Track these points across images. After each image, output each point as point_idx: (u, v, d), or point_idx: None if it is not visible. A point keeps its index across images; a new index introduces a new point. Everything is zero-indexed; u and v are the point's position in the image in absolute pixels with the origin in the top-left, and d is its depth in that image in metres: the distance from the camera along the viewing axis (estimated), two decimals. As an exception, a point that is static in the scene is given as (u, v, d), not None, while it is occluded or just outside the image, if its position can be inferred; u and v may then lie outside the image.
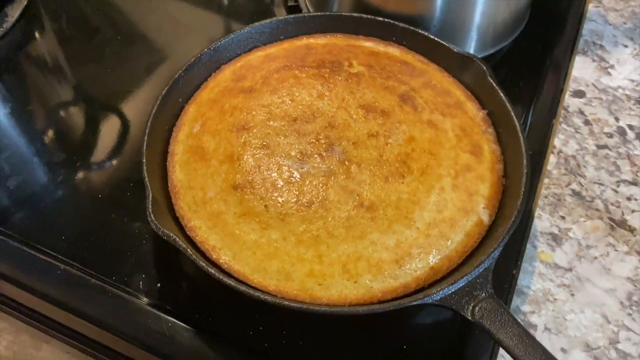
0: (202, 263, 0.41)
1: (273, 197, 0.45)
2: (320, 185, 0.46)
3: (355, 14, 0.57)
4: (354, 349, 0.45)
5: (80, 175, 0.55)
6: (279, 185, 0.46)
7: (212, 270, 0.40)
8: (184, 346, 0.44)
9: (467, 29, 0.62)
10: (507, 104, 0.50)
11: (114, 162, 0.56)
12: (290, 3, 0.70)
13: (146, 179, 0.44)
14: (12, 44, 0.67)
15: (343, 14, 0.58)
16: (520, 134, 0.48)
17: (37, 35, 0.69)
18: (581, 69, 0.65)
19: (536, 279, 0.49)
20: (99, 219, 0.52)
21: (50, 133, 0.59)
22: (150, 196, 0.43)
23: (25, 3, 0.69)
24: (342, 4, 0.66)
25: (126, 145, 0.57)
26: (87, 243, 0.50)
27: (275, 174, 0.46)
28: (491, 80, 0.51)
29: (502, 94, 0.50)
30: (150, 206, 0.42)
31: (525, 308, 0.47)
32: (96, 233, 0.51)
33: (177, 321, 0.45)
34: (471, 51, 0.63)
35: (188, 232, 0.44)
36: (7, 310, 0.54)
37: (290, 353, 0.44)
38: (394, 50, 0.56)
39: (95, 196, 0.53)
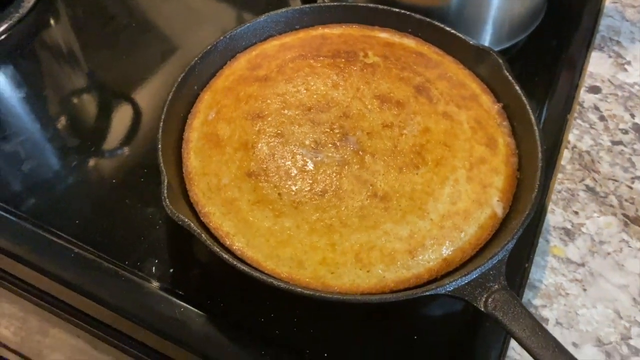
0: (216, 248, 0.41)
1: (287, 185, 0.45)
2: (334, 174, 0.46)
3: (371, 5, 0.57)
4: (365, 338, 0.45)
5: (94, 160, 0.55)
6: (293, 174, 0.46)
7: (226, 256, 0.40)
8: (195, 331, 0.44)
9: (482, 22, 0.62)
10: (523, 98, 0.49)
11: (128, 148, 0.56)
12: (306, -7, 0.70)
13: (161, 164, 0.44)
14: (27, 30, 0.67)
15: (359, 4, 0.57)
16: (535, 128, 0.47)
17: (52, 21, 0.70)
18: (597, 65, 0.64)
19: (548, 273, 0.49)
20: (113, 203, 0.52)
21: (65, 119, 0.59)
22: (166, 181, 0.43)
23: (41, -11, 0.69)
24: (358, -5, 0.66)
25: (140, 132, 0.58)
26: (101, 227, 0.50)
27: (289, 163, 0.46)
28: (507, 74, 0.51)
29: (517, 88, 0.50)
30: (165, 191, 0.42)
31: (537, 302, 0.47)
32: (109, 218, 0.51)
33: (189, 306, 0.45)
34: (486, 44, 0.62)
35: (202, 218, 0.44)
36: (19, 292, 0.55)
37: (302, 340, 0.44)
38: (410, 42, 0.56)
39: (109, 181, 0.53)
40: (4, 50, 0.65)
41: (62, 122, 0.59)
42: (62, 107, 0.61)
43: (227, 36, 0.54)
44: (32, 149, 0.56)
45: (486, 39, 0.63)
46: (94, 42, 0.67)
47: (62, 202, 0.52)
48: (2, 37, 0.65)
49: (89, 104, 0.62)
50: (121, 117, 0.59)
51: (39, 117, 0.60)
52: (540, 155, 0.46)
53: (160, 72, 0.64)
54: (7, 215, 0.51)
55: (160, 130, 0.46)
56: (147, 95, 0.61)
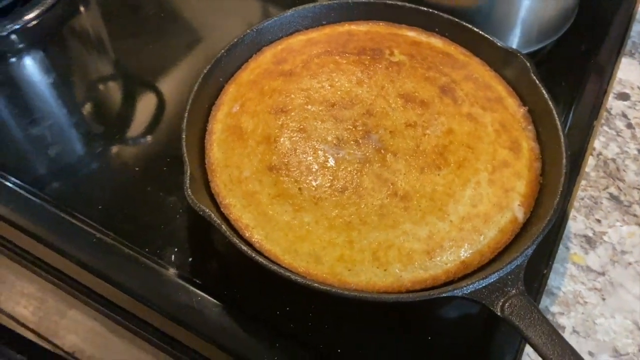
0: (235, 240, 0.41)
1: (307, 181, 0.45)
2: (355, 171, 0.46)
3: (399, 3, 0.57)
4: (379, 337, 0.45)
5: (118, 147, 0.56)
6: (314, 169, 0.46)
7: (244, 248, 0.41)
8: (211, 320, 0.45)
9: (511, 24, 0.61)
10: (550, 102, 0.49)
11: (152, 136, 0.57)
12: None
13: (185, 155, 0.45)
14: (57, 17, 0.68)
15: (386, 2, 0.57)
16: (561, 133, 0.47)
17: (82, 9, 0.71)
18: (627, 71, 0.63)
19: (567, 281, 0.48)
20: (135, 191, 0.53)
21: (91, 105, 0.60)
22: (188, 172, 0.44)
23: (72, -23, 0.70)
24: (385, -8, 0.66)
25: (164, 121, 0.58)
26: (122, 214, 0.51)
27: (310, 158, 0.47)
28: (534, 77, 0.51)
29: (544, 92, 0.49)
30: (187, 181, 0.43)
31: (554, 309, 0.47)
32: (131, 205, 0.52)
33: (206, 295, 0.46)
34: (514, 47, 0.61)
35: (222, 210, 0.45)
36: (38, 272, 0.56)
37: (315, 335, 0.44)
38: (437, 41, 0.55)
39: (132, 169, 0.54)
40: (35, 36, 0.66)
41: (88, 108, 0.60)
42: (88, 93, 0.62)
43: (255, 29, 0.54)
44: (58, 133, 0.57)
45: (514, 42, 0.62)
46: (122, 30, 0.68)
47: (85, 187, 0.53)
48: (34, 23, 0.66)
49: (114, 91, 0.63)
50: (146, 106, 0.60)
51: (66, 103, 0.61)
52: (564, 161, 0.45)
53: (186, 63, 0.64)
54: (32, 197, 0.52)
55: (185, 121, 0.47)
56: (171, 85, 0.62)
